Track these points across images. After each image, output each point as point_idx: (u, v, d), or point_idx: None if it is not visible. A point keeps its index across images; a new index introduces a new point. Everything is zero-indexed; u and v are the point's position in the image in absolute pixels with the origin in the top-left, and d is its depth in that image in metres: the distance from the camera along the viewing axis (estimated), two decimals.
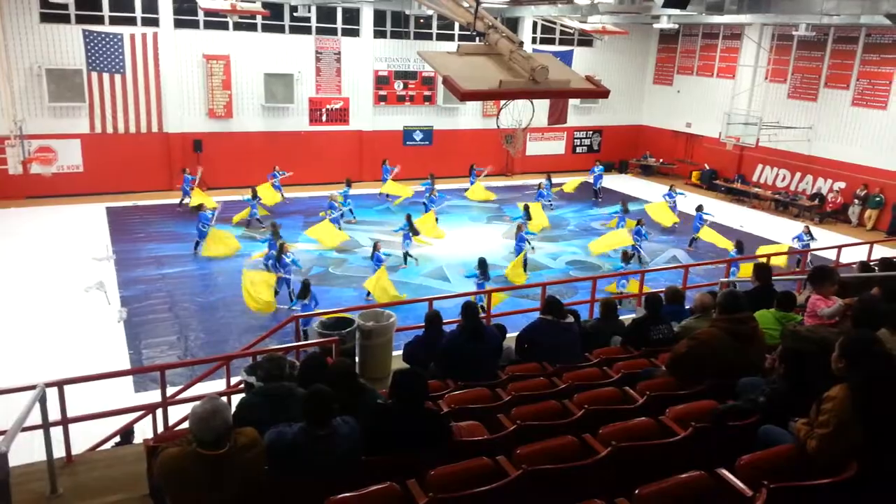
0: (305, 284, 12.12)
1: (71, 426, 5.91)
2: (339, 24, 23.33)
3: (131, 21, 20.59)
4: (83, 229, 18.05)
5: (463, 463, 3.86)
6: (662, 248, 18.22)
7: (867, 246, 12.99)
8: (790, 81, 23.44)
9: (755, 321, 5.40)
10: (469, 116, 25.81)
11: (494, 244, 18.04)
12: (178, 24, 21.10)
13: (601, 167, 24.19)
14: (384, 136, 24.55)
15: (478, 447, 4.22)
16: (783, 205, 23.07)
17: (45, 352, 11.21)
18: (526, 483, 3.65)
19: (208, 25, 21.57)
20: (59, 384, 5.80)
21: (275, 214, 19.85)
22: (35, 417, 5.04)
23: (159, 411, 6.75)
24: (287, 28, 22.60)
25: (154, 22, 20.76)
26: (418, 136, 25.38)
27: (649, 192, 24.34)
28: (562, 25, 25.36)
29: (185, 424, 4.35)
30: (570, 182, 22.33)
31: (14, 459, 4.10)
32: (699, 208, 18.30)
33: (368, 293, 13.20)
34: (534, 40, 25.59)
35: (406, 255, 16.38)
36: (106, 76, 20.35)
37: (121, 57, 20.21)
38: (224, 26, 21.65)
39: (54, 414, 5.57)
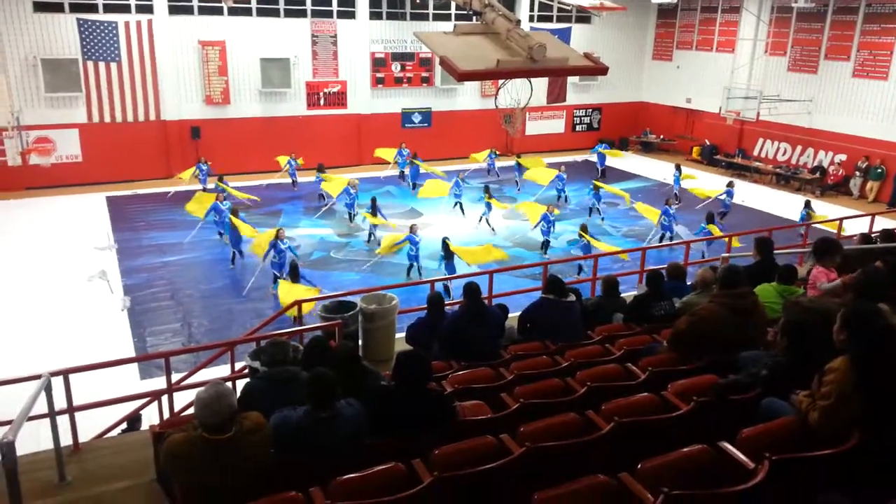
0: (293, 266, 12.23)
1: (77, 414, 5.95)
2: (335, 7, 23.13)
3: (125, 9, 20.45)
4: (84, 219, 18.06)
5: (467, 442, 3.89)
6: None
7: (868, 218, 12.97)
8: (790, 54, 23.27)
9: (755, 296, 5.41)
10: (468, 97, 25.67)
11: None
12: (173, 10, 20.96)
13: (604, 145, 24.07)
14: (382, 118, 24.45)
15: (482, 426, 4.24)
16: (784, 178, 23.00)
17: (49, 341, 11.26)
18: (530, 460, 3.68)
19: (203, 11, 21.43)
20: (65, 373, 5.84)
21: (277, 200, 19.88)
22: (41, 406, 5.06)
23: (165, 398, 6.81)
24: (282, 12, 22.43)
25: (148, 9, 20.62)
26: (417, 118, 25.28)
27: (651, 169, 24.24)
28: (559, 2, 25.10)
29: (191, 410, 4.38)
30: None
31: (21, 448, 4.12)
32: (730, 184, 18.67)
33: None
34: (531, 18, 25.36)
35: (371, 234, 16.86)
36: (102, 65, 20.26)
37: (116, 45, 20.10)
38: (219, 11, 21.49)
39: (60, 402, 5.61)
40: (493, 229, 17.69)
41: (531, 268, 12.91)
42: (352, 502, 3.40)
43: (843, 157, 21.88)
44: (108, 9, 20.27)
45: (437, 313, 6.87)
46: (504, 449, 3.86)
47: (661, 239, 16.21)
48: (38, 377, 5.17)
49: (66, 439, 5.61)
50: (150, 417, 7.24)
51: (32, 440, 5.59)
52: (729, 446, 3.52)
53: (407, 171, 21.78)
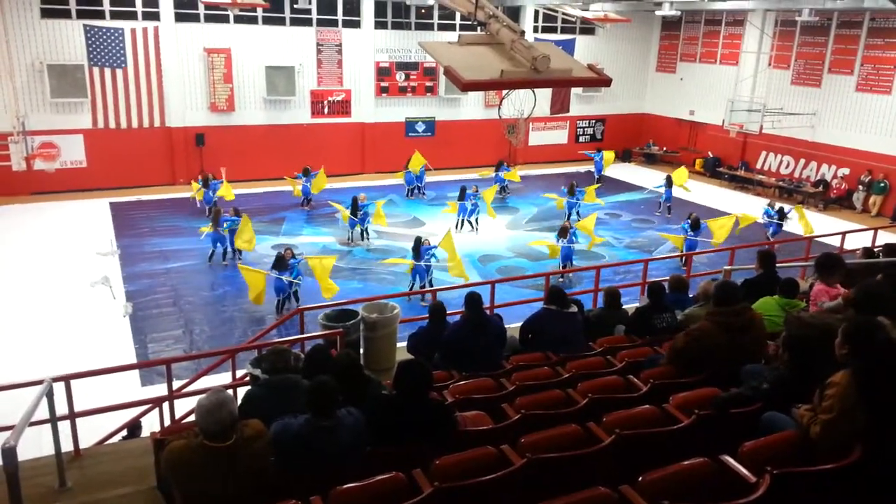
0: (278, 257, 12.29)
1: (78, 420, 5.95)
2: (340, 16, 23.25)
3: (132, 15, 20.56)
4: (87, 224, 18.09)
5: (468, 452, 3.88)
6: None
7: (871, 232, 12.96)
8: (794, 67, 23.31)
9: (751, 311, 5.37)
10: (471, 107, 25.73)
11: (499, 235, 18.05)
12: (179, 17, 21.07)
13: (599, 153, 24.16)
14: (386, 127, 24.51)
15: (482, 437, 4.24)
16: (787, 192, 22.99)
17: (51, 347, 11.27)
18: (531, 471, 3.67)
19: (209, 19, 21.54)
20: (66, 379, 5.85)
21: (279, 208, 19.92)
22: (43, 412, 5.07)
23: (166, 404, 6.80)
24: (288, 20, 22.54)
25: (155, 16, 20.73)
26: (420, 127, 25.33)
27: (653, 182, 24.24)
28: (563, 14, 25.25)
29: (192, 417, 4.38)
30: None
31: (23, 454, 4.13)
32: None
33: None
34: (535, 29, 25.46)
35: (363, 231, 17.35)
36: (108, 71, 20.34)
37: (122, 51, 20.20)
38: (225, 19, 21.60)
39: (62, 408, 5.61)
40: (476, 230, 18.39)
41: (533, 278, 12.91)
42: None
43: (847, 171, 21.87)
44: (115, 15, 20.38)
45: (439, 323, 6.87)
46: (505, 460, 3.85)
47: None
48: (39, 382, 5.18)
49: (67, 445, 5.61)
50: (151, 424, 7.23)
51: (34, 445, 5.59)
52: (730, 460, 3.51)
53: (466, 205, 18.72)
